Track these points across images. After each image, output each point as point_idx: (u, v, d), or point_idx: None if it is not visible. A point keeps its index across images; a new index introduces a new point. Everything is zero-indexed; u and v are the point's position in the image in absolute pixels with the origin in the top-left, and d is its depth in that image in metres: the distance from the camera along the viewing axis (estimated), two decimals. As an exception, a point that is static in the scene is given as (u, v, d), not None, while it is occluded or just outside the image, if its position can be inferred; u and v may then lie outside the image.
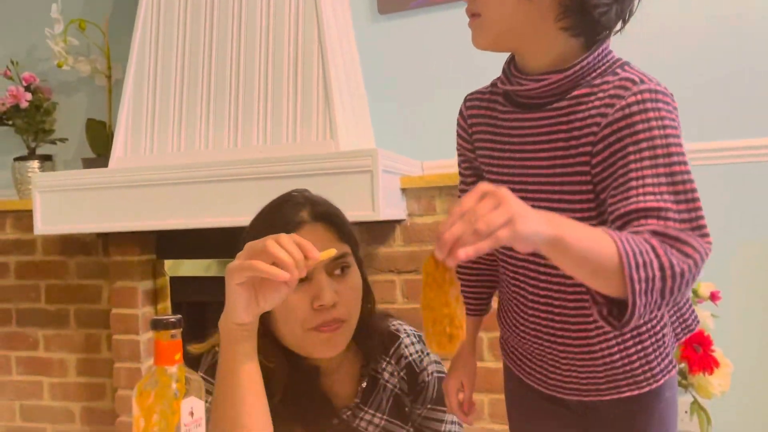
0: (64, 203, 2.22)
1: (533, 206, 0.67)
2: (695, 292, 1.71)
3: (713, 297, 1.72)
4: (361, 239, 2.17)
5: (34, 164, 2.58)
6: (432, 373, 1.06)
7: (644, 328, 0.88)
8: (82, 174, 2.22)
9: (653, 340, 0.88)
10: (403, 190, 2.14)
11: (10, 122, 2.56)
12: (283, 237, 0.74)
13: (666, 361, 0.90)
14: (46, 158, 2.63)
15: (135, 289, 2.38)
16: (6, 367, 2.65)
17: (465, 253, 0.62)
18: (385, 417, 1.02)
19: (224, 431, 0.77)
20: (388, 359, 1.04)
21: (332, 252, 0.80)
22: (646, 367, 0.88)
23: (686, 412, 1.67)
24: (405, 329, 1.08)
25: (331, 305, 0.90)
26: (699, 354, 1.57)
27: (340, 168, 1.91)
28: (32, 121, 2.55)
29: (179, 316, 0.70)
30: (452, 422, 1.07)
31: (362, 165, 1.89)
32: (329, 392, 1.00)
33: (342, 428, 0.99)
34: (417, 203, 2.15)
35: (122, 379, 2.39)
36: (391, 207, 2.01)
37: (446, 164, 2.27)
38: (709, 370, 1.56)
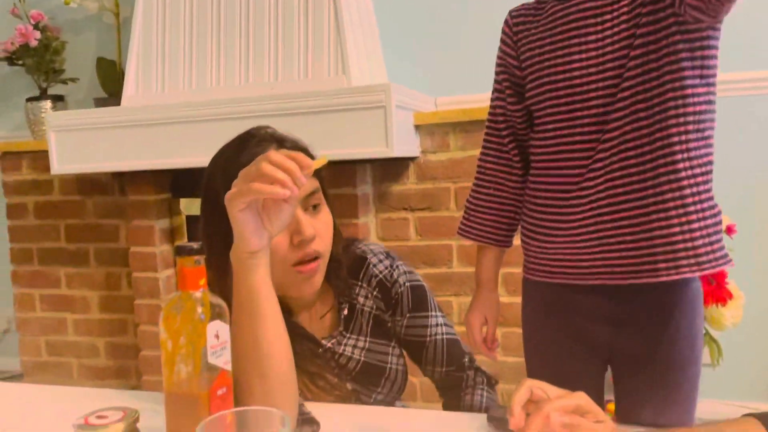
0: (79, 143, 2.23)
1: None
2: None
3: (729, 230, 1.72)
4: (374, 177, 2.19)
5: (47, 104, 2.58)
6: (404, 283, 1.06)
7: (707, 204, 0.88)
8: (95, 113, 2.22)
9: (715, 220, 0.88)
10: (417, 126, 2.12)
11: (21, 62, 2.55)
12: (273, 154, 0.73)
13: (724, 251, 0.89)
14: (58, 98, 2.63)
15: (152, 227, 2.41)
16: (30, 304, 2.72)
17: None
18: (368, 339, 1.04)
19: (247, 357, 0.79)
20: (359, 283, 1.05)
21: (324, 159, 0.79)
22: (709, 248, 0.87)
23: (697, 343, 1.70)
24: (371, 249, 1.08)
25: (311, 239, 0.91)
26: (713, 286, 1.58)
27: (353, 104, 1.90)
28: (42, 60, 2.53)
29: (201, 243, 0.71)
30: (437, 325, 1.08)
31: (375, 100, 1.87)
32: (308, 327, 1.02)
33: (328, 357, 1.01)
34: (431, 140, 2.13)
35: (143, 315, 2.45)
36: (404, 143, 2.00)
37: (460, 100, 2.25)
38: (723, 301, 1.57)
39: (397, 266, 1.07)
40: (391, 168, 2.18)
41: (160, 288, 2.42)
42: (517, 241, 1.13)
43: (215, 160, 0.96)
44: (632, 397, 1.00)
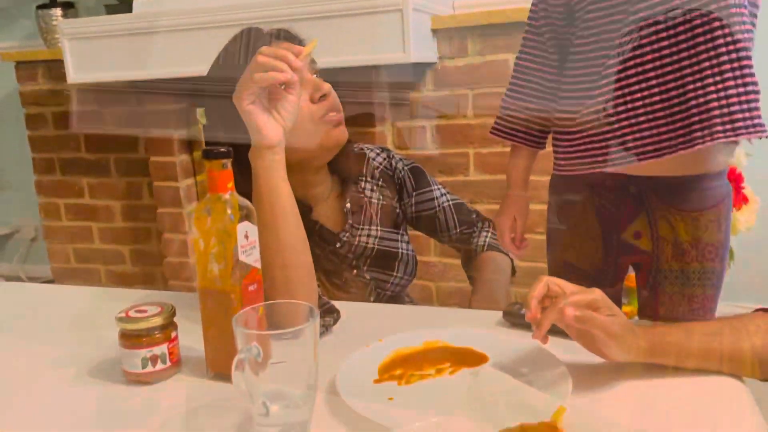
0: (94, 51, 2.21)
1: None
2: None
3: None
4: (391, 85, 2.16)
5: (57, 12, 2.54)
6: (402, 168, 1.18)
7: (747, 71, 0.86)
8: (109, 20, 2.19)
9: (754, 88, 0.87)
10: (434, 31, 2.07)
11: (27, -33, 2.49)
12: (265, 49, 0.79)
13: (761, 120, 0.88)
14: (68, 5, 2.58)
15: (170, 137, 2.43)
16: (56, 214, 2.80)
17: None
18: (379, 228, 1.12)
19: (269, 249, 0.82)
20: (363, 178, 1.13)
21: (315, 41, 0.85)
22: (747, 114, 0.86)
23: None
24: (367, 147, 1.18)
25: (329, 90, 0.98)
26: (728, 191, 1.58)
27: (369, 7, 1.85)
28: (48, -36, 2.47)
29: (229, 147, 0.73)
30: (441, 195, 1.19)
31: (391, 3, 1.82)
32: (326, 223, 1.08)
33: (346, 249, 1.09)
34: (448, 45, 2.09)
35: (166, 223, 2.52)
36: (421, 49, 1.96)
37: (479, 2, 2.17)
38: (737, 206, 1.58)
39: (393, 155, 1.19)
40: (407, 75, 2.15)
41: (181, 197, 2.47)
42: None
43: (217, 59, 1.03)
44: (656, 296, 1.03)
